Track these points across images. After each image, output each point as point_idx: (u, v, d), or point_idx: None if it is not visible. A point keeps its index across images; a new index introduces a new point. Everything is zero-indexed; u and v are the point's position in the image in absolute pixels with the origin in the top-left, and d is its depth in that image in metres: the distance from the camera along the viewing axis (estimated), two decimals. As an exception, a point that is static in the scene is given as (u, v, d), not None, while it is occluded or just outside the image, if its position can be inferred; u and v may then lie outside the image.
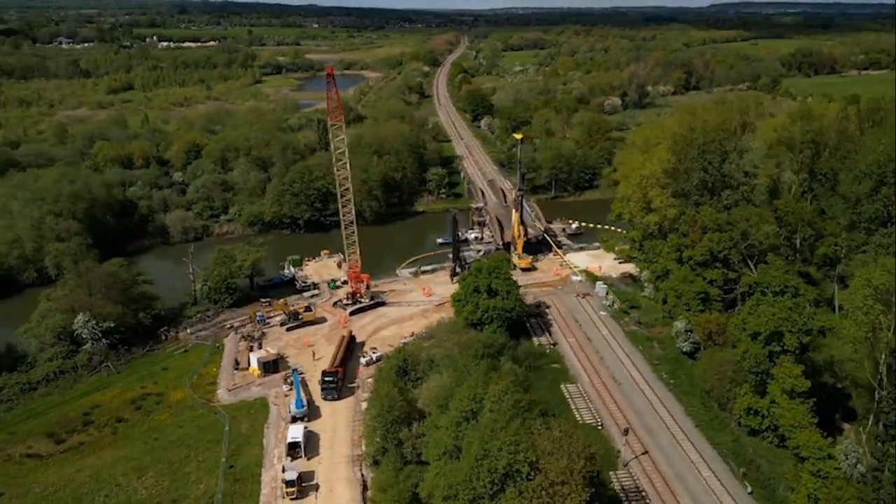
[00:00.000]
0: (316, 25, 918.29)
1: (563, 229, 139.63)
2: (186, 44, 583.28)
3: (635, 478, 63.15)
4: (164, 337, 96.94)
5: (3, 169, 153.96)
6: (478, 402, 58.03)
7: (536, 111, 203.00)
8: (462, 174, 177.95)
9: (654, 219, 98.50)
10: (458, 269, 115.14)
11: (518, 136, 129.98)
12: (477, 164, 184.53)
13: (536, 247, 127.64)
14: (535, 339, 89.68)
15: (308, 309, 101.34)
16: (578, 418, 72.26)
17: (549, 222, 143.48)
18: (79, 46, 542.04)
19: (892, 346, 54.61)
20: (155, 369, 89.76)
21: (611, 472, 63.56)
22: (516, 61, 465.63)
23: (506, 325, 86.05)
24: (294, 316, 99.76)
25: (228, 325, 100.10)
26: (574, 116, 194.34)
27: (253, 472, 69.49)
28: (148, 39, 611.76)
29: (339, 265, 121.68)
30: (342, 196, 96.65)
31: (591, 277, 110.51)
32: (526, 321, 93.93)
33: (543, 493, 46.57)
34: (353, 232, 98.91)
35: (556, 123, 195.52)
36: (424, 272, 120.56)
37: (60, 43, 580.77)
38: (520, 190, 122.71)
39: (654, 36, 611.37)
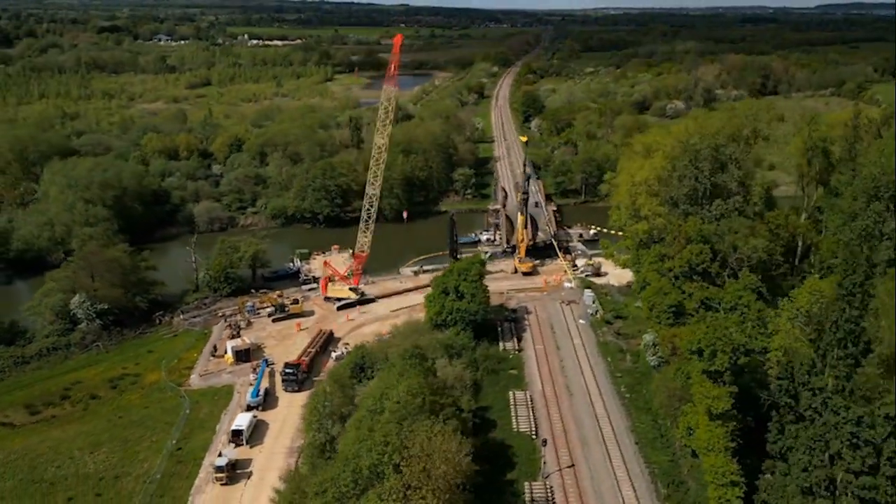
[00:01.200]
0: (402, 25, 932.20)
1: (581, 235, 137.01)
2: (274, 42, 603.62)
3: (549, 490, 61.67)
4: (158, 321, 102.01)
5: (63, 157, 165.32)
6: (382, 401, 58.45)
7: (579, 113, 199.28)
8: (494, 175, 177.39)
9: (643, 227, 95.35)
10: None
11: (523, 138, 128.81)
12: (511, 166, 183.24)
13: (545, 251, 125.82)
14: (501, 344, 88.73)
15: (295, 302, 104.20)
16: (515, 426, 71.18)
17: (569, 227, 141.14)
18: (174, 43, 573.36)
19: (806, 370, 50.88)
20: (141, 351, 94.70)
21: (526, 483, 62.41)
22: (591, 62, 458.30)
23: (469, 327, 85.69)
24: (281, 308, 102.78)
25: (220, 314, 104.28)
26: (617, 119, 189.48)
27: (197, 456, 72.34)
28: (239, 37, 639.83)
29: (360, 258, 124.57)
30: (375, 165, 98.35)
31: (585, 284, 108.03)
32: (499, 325, 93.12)
33: (399, 495, 46.52)
34: (366, 215, 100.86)
35: (600, 126, 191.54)
36: (426, 271, 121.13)
37: (160, 40, 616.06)
38: (524, 193, 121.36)
39: (743, 37, 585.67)
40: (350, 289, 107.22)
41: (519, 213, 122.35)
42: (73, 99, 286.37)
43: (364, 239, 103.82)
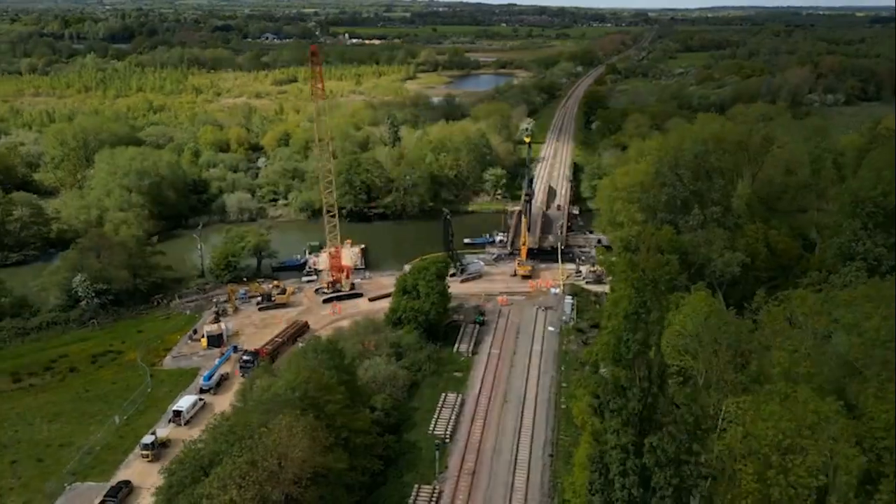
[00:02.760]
0: (504, 24, 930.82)
1: (599, 240, 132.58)
2: (372, 41, 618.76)
3: (437, 493, 60.68)
4: (156, 303, 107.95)
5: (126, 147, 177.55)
6: (263, 393, 59.63)
7: (629, 116, 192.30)
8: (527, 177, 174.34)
9: (619, 234, 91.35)
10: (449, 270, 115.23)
11: (526, 139, 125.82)
12: (551, 168, 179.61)
13: (552, 256, 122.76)
14: (456, 346, 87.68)
15: (282, 292, 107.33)
16: (431, 428, 70.36)
17: (591, 232, 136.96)
18: (277, 42, 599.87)
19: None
20: (131, 331, 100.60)
21: (416, 485, 61.72)
22: (686, 63, 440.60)
23: (421, 326, 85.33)
24: (267, 297, 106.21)
25: (214, 300, 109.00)
26: (669, 122, 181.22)
27: (139, 433, 76.04)
28: (339, 36, 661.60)
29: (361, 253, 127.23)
30: (323, 178, 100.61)
31: (573, 291, 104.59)
32: (462, 327, 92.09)
33: (231, 482, 47.43)
34: (331, 221, 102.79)
35: (651, 129, 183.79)
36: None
37: (267, 38, 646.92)
38: (526, 195, 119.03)
39: (862, 39, 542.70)
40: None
41: (523, 216, 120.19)
42: (166, 93, 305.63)
43: (334, 241, 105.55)
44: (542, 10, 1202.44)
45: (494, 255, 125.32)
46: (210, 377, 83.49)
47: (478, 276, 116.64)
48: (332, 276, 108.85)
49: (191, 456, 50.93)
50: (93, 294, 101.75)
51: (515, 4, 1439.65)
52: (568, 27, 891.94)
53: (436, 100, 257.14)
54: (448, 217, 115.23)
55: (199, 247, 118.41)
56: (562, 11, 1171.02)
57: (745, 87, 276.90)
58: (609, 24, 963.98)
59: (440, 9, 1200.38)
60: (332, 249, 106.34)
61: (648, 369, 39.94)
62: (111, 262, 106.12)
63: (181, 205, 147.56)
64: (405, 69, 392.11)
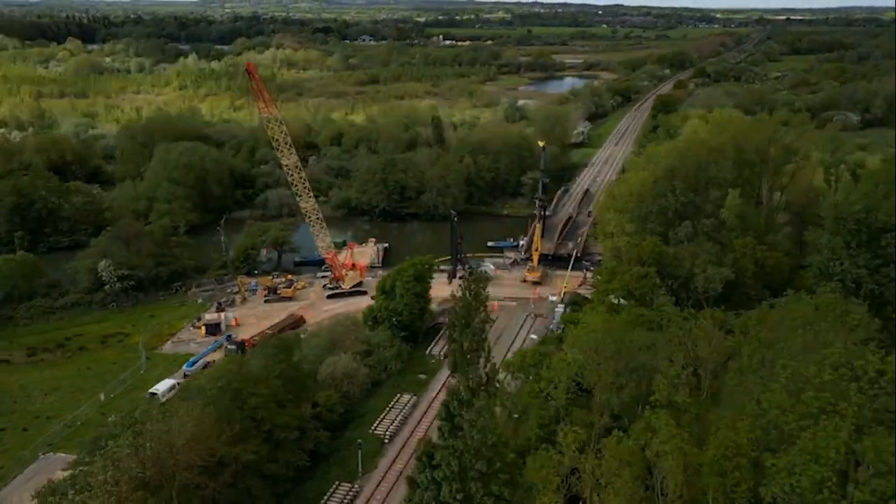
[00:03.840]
0: (605, 25, 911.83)
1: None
2: (465, 42, 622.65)
3: (355, 492, 61.21)
4: (175, 290, 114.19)
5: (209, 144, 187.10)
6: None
7: (686, 121, 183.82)
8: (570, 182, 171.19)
9: (608, 244, 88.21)
10: (456, 272, 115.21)
11: (541, 143, 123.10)
12: (598, 173, 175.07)
13: (567, 262, 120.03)
14: (429, 348, 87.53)
15: (288, 286, 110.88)
16: (374, 427, 70.87)
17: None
18: (373, 43, 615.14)
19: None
20: (144, 315, 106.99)
21: (337, 482, 62.51)
22: (788, 66, 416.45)
23: (396, 327, 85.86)
24: (273, 291, 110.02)
25: (228, 290, 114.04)
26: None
27: (120, 411, 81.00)
28: (434, 38, 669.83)
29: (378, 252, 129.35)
30: (293, 185, 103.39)
31: (570, 300, 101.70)
32: (443, 329, 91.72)
33: (98, 467, 49.91)
34: (316, 222, 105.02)
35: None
36: (443, 271, 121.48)
37: (364, 40, 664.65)
38: (539, 200, 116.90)
39: None
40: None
41: (536, 222, 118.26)
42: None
43: (322, 243, 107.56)
44: (647, 11, 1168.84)
45: (510, 260, 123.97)
46: (194, 363, 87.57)
47: (487, 279, 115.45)
48: (335, 274, 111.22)
49: (103, 434, 53.99)
50: (115, 279, 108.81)
51: (622, 5, 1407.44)
52: (671, 28, 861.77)
53: (505, 102, 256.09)
54: (456, 219, 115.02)
55: (222, 239, 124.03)
56: (669, 12, 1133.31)
57: (838, 93, 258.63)
58: (717, 26, 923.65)
59: (541, 10, 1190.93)
60: (328, 251, 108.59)
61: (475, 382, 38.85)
62: (137, 250, 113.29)
63: (226, 198, 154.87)
64: (486, 71, 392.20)
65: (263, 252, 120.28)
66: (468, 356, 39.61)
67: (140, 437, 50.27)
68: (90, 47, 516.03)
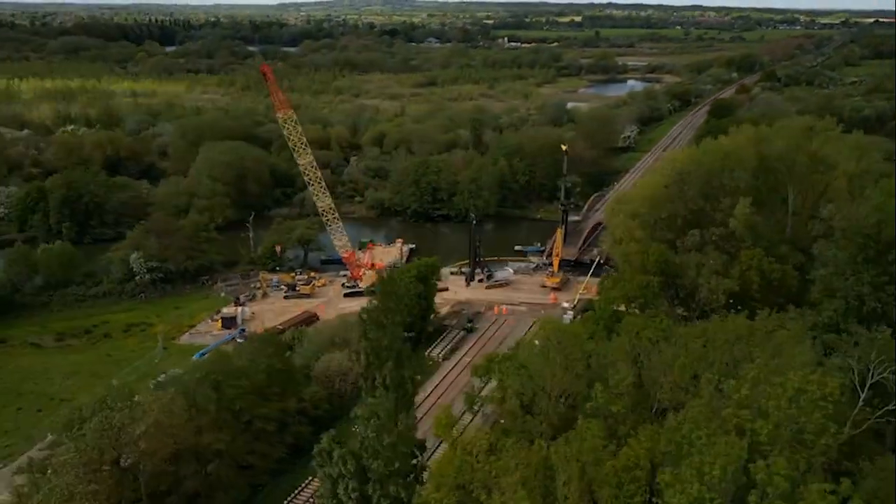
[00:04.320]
0: (679, 27, 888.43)
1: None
2: (531, 44, 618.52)
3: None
4: (201, 284, 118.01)
5: (257, 143, 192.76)
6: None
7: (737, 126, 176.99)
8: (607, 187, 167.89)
9: (617, 250, 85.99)
10: (474, 275, 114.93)
11: (564, 147, 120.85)
12: (641, 178, 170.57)
13: (589, 269, 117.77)
14: (429, 350, 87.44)
15: (307, 283, 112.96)
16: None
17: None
18: (438, 45, 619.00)
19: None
20: (170, 306, 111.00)
21: (310, 477, 63.24)
22: (868, 70, 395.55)
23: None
24: (292, 287, 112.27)
25: (252, 285, 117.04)
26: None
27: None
28: (499, 40, 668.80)
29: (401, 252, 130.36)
30: (308, 184, 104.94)
31: (584, 307, 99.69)
32: (448, 331, 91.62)
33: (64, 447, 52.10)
34: (333, 221, 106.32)
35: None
36: (463, 273, 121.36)
37: (430, 42, 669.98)
38: (562, 205, 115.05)
39: None
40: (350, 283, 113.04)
41: (558, 227, 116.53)
42: (311, 93, 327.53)
43: (339, 242, 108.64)
44: (727, 10, 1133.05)
45: (534, 265, 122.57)
46: (203, 354, 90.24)
47: (504, 283, 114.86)
48: (352, 273, 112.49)
49: (75, 417, 56.45)
50: (145, 270, 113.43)
51: (700, 6, 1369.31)
52: (749, 30, 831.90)
53: (555, 104, 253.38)
54: (475, 222, 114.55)
55: (250, 236, 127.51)
56: (749, 13, 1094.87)
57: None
58: (799, 27, 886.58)
59: (615, 11, 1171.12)
60: (345, 250, 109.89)
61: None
62: (168, 243, 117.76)
63: (265, 196, 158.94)
64: (545, 73, 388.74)
65: (277, 249, 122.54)
66: (381, 354, 39.51)
67: (105, 422, 52.26)
68: (168, 49, 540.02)
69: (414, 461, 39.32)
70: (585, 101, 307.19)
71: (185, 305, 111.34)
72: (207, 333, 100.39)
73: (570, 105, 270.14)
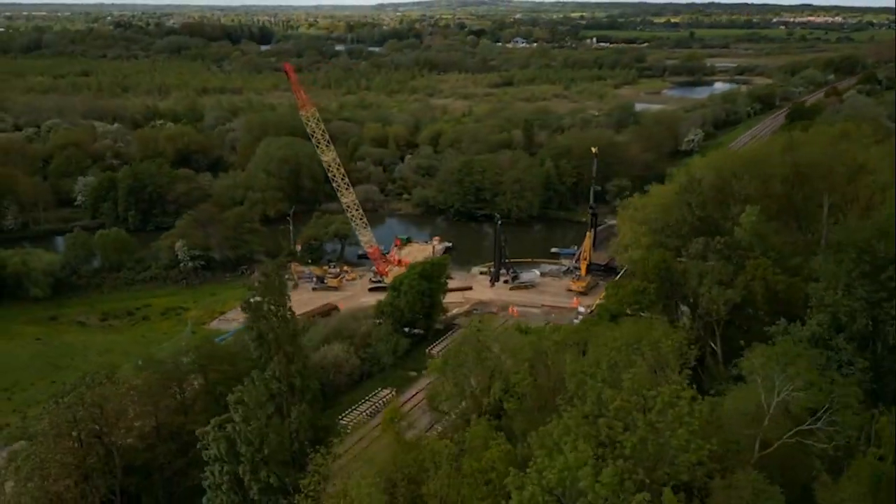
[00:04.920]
0: (783, 27, 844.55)
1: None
2: (619, 44, 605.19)
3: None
4: (241, 272, 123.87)
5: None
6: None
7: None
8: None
9: (625, 256, 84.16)
10: (499, 276, 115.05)
11: (594, 150, 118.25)
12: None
13: (619, 274, 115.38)
14: (433, 347, 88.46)
15: (335, 276, 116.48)
16: (343, 416, 73.43)
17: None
18: (525, 45, 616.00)
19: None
20: (207, 293, 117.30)
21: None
22: None
23: (399, 323, 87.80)
24: (320, 280, 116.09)
25: (286, 276, 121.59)
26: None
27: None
28: (587, 40, 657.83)
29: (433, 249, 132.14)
30: (332, 180, 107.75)
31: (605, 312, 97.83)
32: (453, 330, 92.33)
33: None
34: (356, 217, 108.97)
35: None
36: (483, 273, 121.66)
37: (517, 42, 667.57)
38: (590, 208, 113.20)
39: None
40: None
41: (588, 231, 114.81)
42: (387, 92, 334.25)
43: (363, 238, 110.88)
44: (837, 10, 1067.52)
45: (564, 268, 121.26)
46: (223, 340, 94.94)
47: (530, 285, 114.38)
48: (378, 268, 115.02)
49: (59, 392, 61.25)
50: (189, 258, 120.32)
51: (810, 4, 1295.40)
52: (860, 30, 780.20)
53: (622, 105, 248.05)
54: (500, 223, 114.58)
55: (290, 229, 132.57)
56: (864, 10, 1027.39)
57: None
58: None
59: (715, 11, 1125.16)
60: (369, 245, 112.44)
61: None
62: (212, 233, 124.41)
63: (317, 191, 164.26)
64: (625, 74, 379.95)
65: (297, 247, 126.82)
66: (269, 347, 41.18)
67: (77, 395, 56.58)
68: (263, 48, 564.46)
69: (314, 450, 40.56)
70: (662, 104, 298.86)
71: (221, 293, 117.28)
72: (234, 320, 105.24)
73: (639, 107, 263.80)
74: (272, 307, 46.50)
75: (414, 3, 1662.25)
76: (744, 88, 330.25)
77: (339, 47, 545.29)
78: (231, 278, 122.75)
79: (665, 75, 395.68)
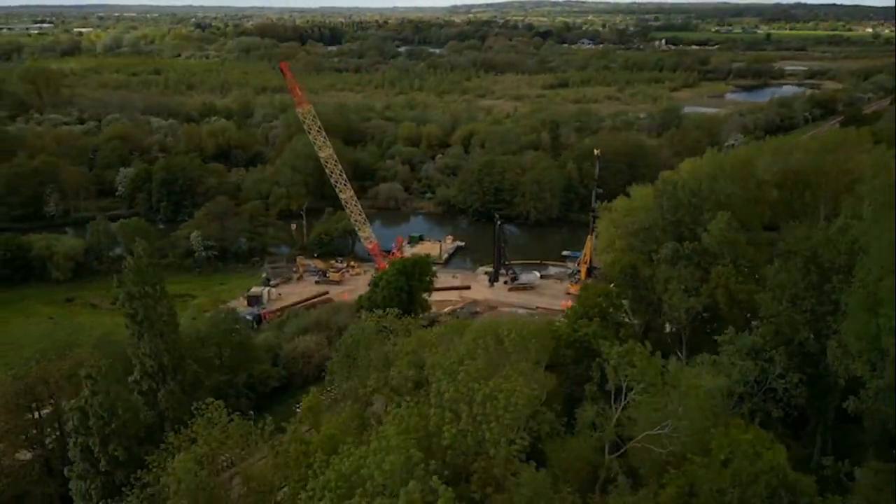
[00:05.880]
0: (870, 30, 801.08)
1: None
2: (691, 46, 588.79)
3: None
4: (252, 263, 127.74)
5: (356, 137, 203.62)
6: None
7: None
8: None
9: (603, 259, 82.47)
10: (498, 276, 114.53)
11: (596, 151, 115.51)
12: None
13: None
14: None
15: (336, 271, 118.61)
16: (299, 405, 74.90)
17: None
18: (591, 46, 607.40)
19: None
20: (216, 282, 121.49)
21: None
22: None
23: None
24: (323, 273, 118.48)
25: (294, 268, 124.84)
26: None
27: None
28: (656, 42, 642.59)
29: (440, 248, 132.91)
30: (330, 176, 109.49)
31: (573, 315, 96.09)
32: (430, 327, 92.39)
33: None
34: (356, 213, 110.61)
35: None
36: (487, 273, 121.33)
37: (584, 44, 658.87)
38: (591, 211, 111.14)
39: None
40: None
41: (590, 234, 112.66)
42: (437, 93, 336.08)
43: (364, 234, 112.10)
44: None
45: (569, 271, 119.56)
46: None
47: (529, 287, 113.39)
48: (378, 264, 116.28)
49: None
50: (202, 248, 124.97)
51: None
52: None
53: (667, 108, 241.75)
54: (500, 224, 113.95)
55: (303, 223, 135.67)
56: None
57: None
58: None
59: (800, 12, 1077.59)
60: (369, 241, 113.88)
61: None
62: (227, 225, 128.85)
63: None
64: (685, 76, 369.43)
65: (292, 226, 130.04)
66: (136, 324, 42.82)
67: (24, 369, 60.19)
68: (329, 48, 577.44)
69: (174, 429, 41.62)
70: (718, 107, 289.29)
71: (229, 282, 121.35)
72: (235, 309, 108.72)
73: (691, 110, 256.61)
74: (146, 289, 48.32)
75: (487, 5, 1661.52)
76: (809, 93, 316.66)
77: (401, 48, 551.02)
78: (243, 269, 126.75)
79: (729, 78, 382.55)
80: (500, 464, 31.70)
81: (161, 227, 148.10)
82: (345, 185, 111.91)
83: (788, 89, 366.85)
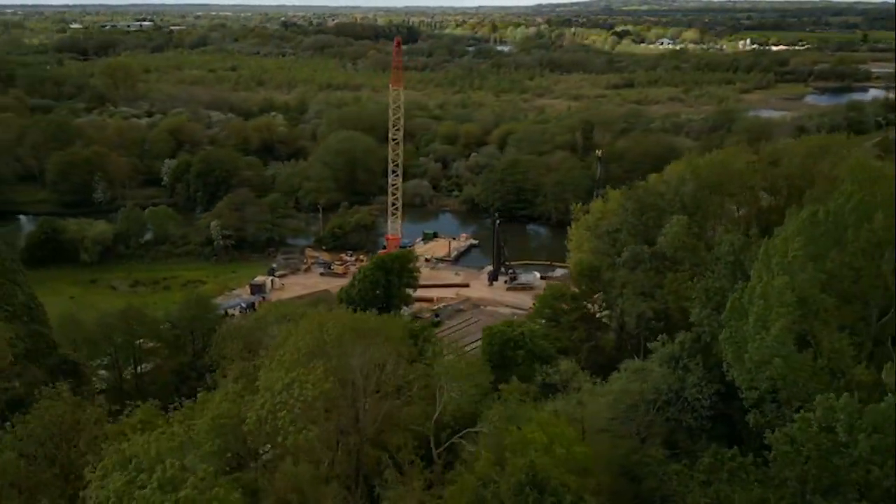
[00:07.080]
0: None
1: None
2: (778, 46, 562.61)
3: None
4: (267, 254, 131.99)
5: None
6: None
7: None
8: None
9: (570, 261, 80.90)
10: (497, 275, 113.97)
11: (598, 153, 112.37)
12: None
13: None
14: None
15: (343, 263, 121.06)
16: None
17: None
18: (671, 46, 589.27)
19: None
20: (229, 270, 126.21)
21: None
22: None
23: (352, 309, 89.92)
24: (328, 266, 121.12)
25: (305, 260, 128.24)
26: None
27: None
28: (741, 42, 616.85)
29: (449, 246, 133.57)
30: (392, 162, 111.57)
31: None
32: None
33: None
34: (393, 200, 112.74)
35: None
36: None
37: (662, 44, 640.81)
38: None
39: None
40: None
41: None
42: (495, 92, 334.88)
43: (394, 225, 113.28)
44: None
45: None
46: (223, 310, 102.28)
47: (528, 287, 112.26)
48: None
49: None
50: (220, 237, 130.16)
51: None
52: None
53: (722, 111, 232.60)
54: (498, 223, 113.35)
55: (319, 217, 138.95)
56: None
57: None
58: None
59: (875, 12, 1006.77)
60: (394, 234, 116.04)
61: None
62: (247, 216, 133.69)
63: (371, 184, 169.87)
64: (759, 78, 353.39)
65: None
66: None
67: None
68: (402, 47, 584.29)
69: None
70: (788, 110, 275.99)
71: (240, 270, 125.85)
72: (238, 296, 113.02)
73: (753, 113, 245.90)
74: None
75: (572, 4, 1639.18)
76: (885, 96, 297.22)
77: (470, 48, 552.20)
78: (258, 259, 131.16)
79: (810, 80, 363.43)
80: (288, 451, 32.37)
81: (197, 216, 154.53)
82: (394, 170, 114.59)
83: (875, 92, 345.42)
